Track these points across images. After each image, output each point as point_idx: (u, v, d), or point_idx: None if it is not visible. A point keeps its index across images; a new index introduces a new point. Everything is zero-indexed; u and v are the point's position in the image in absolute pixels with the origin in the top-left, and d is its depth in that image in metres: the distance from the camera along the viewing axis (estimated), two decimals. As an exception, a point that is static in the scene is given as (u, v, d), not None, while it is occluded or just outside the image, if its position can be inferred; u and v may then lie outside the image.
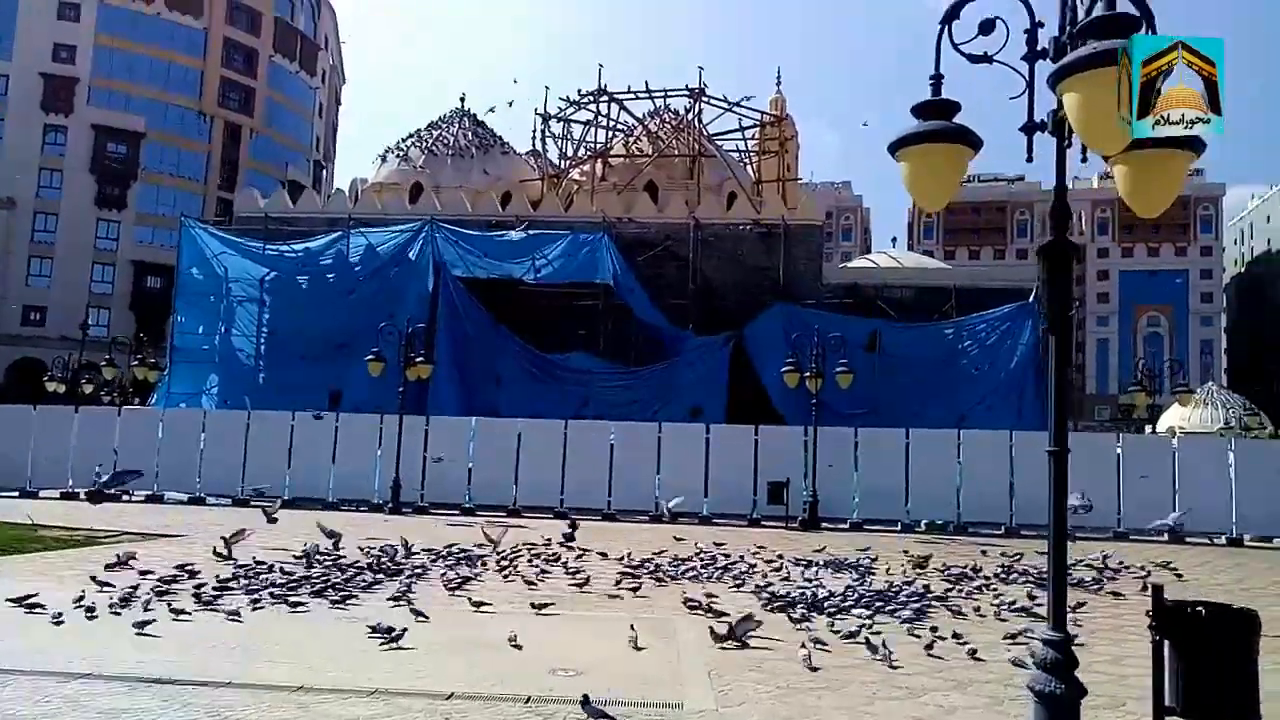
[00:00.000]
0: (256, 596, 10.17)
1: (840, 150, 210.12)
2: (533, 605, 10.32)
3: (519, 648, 8.39)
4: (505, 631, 8.83)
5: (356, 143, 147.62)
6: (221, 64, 74.79)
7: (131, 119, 69.84)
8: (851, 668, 8.18)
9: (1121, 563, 15.07)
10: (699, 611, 10.14)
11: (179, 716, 6.12)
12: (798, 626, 9.69)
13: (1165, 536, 20.83)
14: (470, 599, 10.60)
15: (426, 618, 9.35)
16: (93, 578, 10.58)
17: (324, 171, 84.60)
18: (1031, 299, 29.69)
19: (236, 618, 9.23)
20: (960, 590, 12.30)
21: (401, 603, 10.14)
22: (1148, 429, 33.00)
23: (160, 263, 61.33)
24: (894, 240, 72.29)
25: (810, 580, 12.47)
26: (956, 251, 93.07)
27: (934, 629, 9.47)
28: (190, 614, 9.30)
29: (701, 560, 14.05)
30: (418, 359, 24.08)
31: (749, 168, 40.54)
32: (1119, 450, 22.55)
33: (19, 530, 16.32)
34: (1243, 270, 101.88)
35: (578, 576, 12.52)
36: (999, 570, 14.17)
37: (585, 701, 6.21)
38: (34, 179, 67.65)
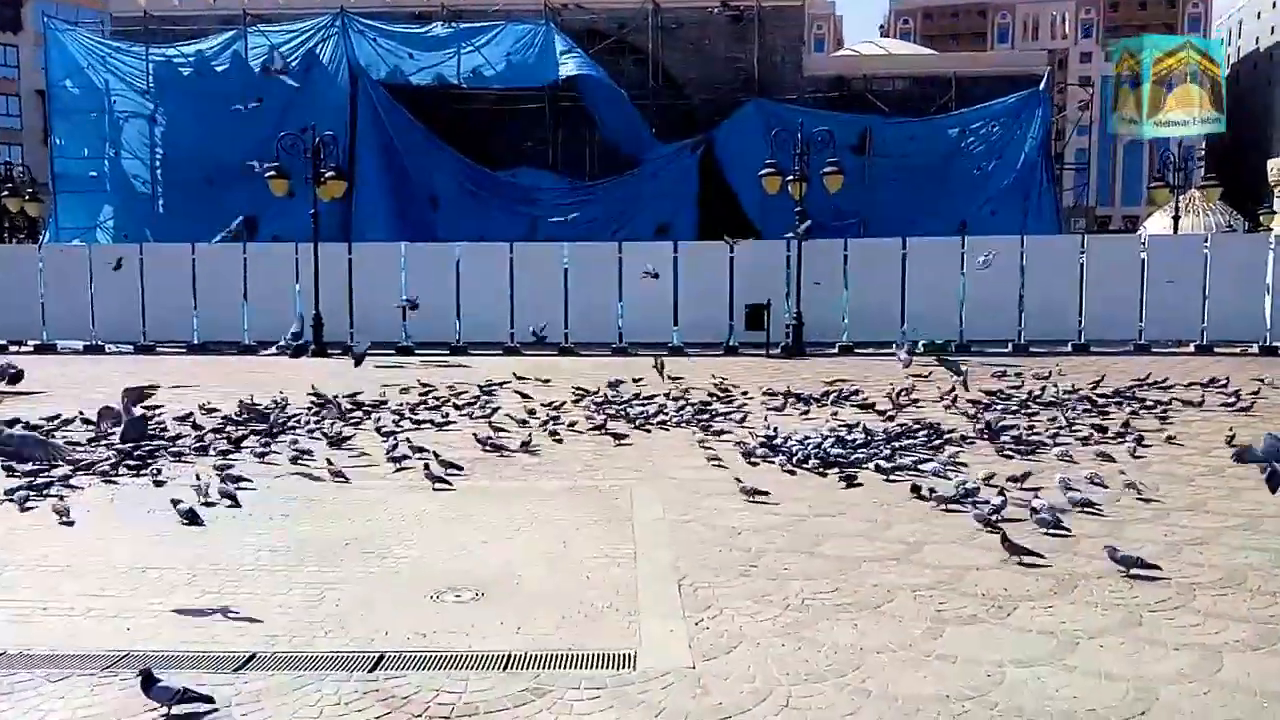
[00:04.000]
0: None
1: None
2: (429, 476, 7.43)
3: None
4: (389, 522, 6.07)
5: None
6: None
7: (9, -79, 60.95)
8: (890, 559, 5.49)
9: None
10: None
11: None
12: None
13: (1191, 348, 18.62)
14: (318, 470, 7.74)
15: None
16: None
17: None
18: (1041, 86, 25.98)
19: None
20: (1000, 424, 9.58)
21: (230, 478, 7.24)
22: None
23: (68, 90, 55.01)
24: (881, 29, 66.02)
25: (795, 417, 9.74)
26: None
27: (990, 479, 6.77)
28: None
29: (667, 399, 11.29)
30: (328, 175, 20.29)
31: (716, -56, 35.16)
32: (1143, 254, 19.82)
33: None
34: (1229, 72, 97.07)
35: (509, 430, 9.69)
36: (1030, 393, 11.60)
37: (148, 682, 3.57)
38: (-96, -3, 59.51)
